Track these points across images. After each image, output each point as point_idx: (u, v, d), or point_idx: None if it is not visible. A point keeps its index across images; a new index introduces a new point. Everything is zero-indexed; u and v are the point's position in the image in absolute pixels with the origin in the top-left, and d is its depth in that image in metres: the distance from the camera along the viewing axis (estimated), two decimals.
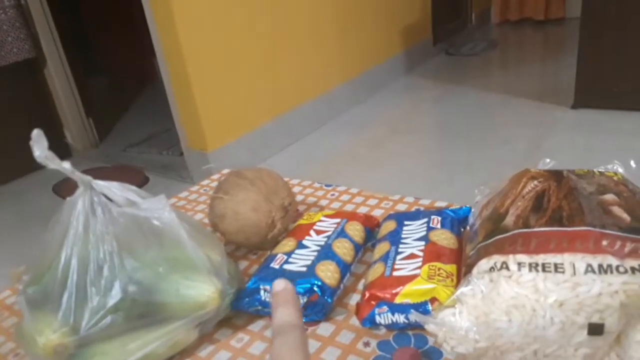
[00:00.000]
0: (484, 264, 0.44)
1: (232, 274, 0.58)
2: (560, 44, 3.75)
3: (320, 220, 0.67)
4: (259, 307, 0.57)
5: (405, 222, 0.63)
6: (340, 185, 0.88)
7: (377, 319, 0.52)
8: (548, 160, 0.59)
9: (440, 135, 2.54)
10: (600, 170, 0.55)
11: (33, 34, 2.63)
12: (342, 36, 2.83)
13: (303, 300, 0.55)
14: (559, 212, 0.45)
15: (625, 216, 0.45)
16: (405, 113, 2.83)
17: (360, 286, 0.61)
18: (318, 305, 0.55)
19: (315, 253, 0.60)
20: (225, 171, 0.98)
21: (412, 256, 0.55)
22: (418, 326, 0.51)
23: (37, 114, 2.70)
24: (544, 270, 0.41)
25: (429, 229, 0.60)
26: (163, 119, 2.85)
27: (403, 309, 0.51)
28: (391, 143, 2.43)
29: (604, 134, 2.18)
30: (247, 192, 0.67)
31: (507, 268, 0.42)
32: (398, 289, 0.52)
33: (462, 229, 0.62)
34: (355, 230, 0.65)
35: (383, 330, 0.53)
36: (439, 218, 0.62)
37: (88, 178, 0.50)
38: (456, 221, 0.62)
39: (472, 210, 0.58)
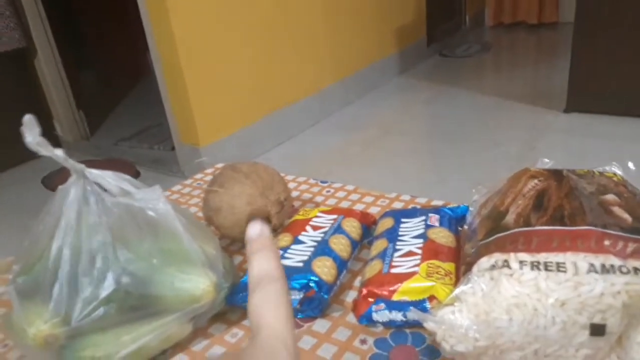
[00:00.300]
0: (485, 262, 0.43)
1: (227, 268, 0.57)
2: (553, 48, 3.77)
3: (316, 216, 0.66)
4: None
5: (403, 220, 0.62)
6: (336, 182, 0.87)
7: (374, 316, 0.51)
8: (547, 160, 0.59)
9: (433, 137, 2.54)
10: (599, 170, 0.54)
11: (23, 23, 2.59)
12: (336, 35, 2.82)
13: (299, 295, 0.54)
14: (560, 211, 0.45)
15: (627, 216, 0.44)
16: (398, 114, 2.83)
17: (356, 283, 0.60)
18: (314, 301, 0.54)
19: (312, 249, 0.59)
20: (220, 165, 0.97)
21: (410, 254, 0.55)
22: (415, 324, 0.51)
23: (26, 105, 2.64)
24: (545, 269, 0.40)
25: (427, 226, 0.59)
26: (155, 114, 2.83)
27: (401, 306, 0.50)
28: (383, 143, 2.43)
29: (596, 138, 2.19)
30: (243, 186, 0.66)
31: (509, 266, 0.42)
32: (396, 286, 0.51)
33: (460, 228, 0.62)
34: (352, 227, 0.64)
35: (380, 328, 0.53)
36: (437, 216, 0.62)
37: (81, 166, 0.49)
38: (454, 219, 0.62)
39: (470, 208, 0.58)
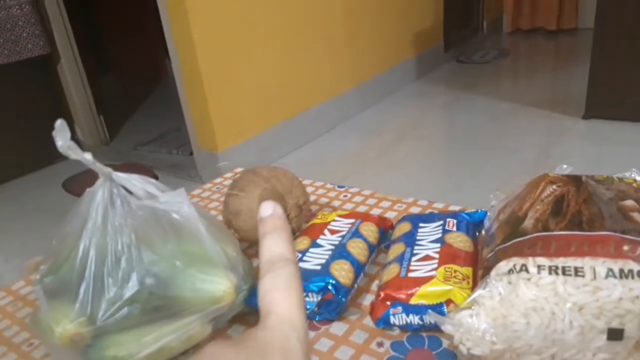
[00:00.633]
0: (503, 266, 0.43)
1: (246, 270, 0.58)
2: (572, 54, 3.74)
3: (334, 220, 0.67)
4: None
5: (421, 224, 0.63)
6: (353, 186, 0.88)
7: (392, 319, 0.52)
8: (565, 166, 0.59)
9: (450, 143, 2.54)
10: (618, 176, 0.54)
11: (48, 30, 2.65)
12: (354, 40, 2.83)
13: (317, 298, 0.55)
14: (578, 217, 0.45)
15: None
16: (414, 119, 2.83)
17: (373, 287, 0.61)
18: (332, 304, 0.55)
19: (330, 252, 0.60)
20: (239, 170, 0.98)
21: (427, 258, 0.55)
22: (432, 328, 0.51)
23: (49, 109, 2.71)
24: (564, 273, 0.41)
25: (445, 231, 0.60)
26: (173, 119, 2.87)
27: (418, 310, 0.51)
28: (400, 148, 2.43)
29: (614, 145, 2.17)
30: (263, 190, 0.67)
31: (527, 270, 0.42)
32: (413, 290, 0.51)
33: (478, 233, 0.62)
34: (370, 231, 0.65)
35: (397, 331, 0.53)
36: (455, 221, 0.62)
37: (109, 170, 0.50)
38: (471, 224, 0.62)
39: (488, 214, 0.58)
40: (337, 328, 0.55)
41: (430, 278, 0.52)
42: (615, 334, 0.39)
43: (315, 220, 0.69)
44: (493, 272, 0.44)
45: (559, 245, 0.42)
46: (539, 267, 0.42)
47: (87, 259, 0.49)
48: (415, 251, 0.57)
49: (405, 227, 0.64)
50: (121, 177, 0.50)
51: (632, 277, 0.39)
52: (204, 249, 0.51)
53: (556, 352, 0.41)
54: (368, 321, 0.55)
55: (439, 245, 0.57)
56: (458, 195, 1.87)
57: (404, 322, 0.52)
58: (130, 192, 0.51)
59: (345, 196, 0.85)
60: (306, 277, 0.56)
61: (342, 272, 0.57)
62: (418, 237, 0.60)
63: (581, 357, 0.41)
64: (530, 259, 0.42)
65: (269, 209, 0.30)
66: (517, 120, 2.59)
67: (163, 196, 0.51)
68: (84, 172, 2.47)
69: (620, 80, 2.29)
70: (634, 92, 2.27)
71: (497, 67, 3.61)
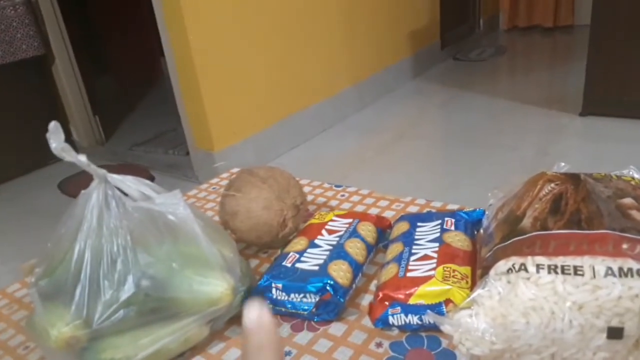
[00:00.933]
0: (502, 265, 0.43)
1: (244, 271, 0.57)
2: (568, 51, 3.74)
3: (332, 220, 0.67)
4: (270, 305, 0.56)
5: (419, 224, 0.62)
6: (351, 186, 0.87)
7: (390, 319, 0.52)
8: (563, 164, 0.58)
9: (447, 141, 2.53)
10: (617, 174, 0.54)
11: (42, 31, 2.63)
12: (350, 39, 2.83)
13: (315, 299, 0.55)
14: (577, 215, 0.45)
15: None
16: (412, 117, 2.82)
17: (372, 287, 0.61)
18: (330, 305, 0.55)
19: (328, 252, 0.60)
20: (235, 170, 0.98)
21: (426, 257, 0.55)
22: (431, 328, 0.51)
23: (44, 110, 2.70)
24: (563, 272, 0.40)
25: (443, 230, 0.60)
26: (169, 119, 2.86)
27: (417, 310, 0.51)
28: (397, 147, 2.42)
29: (612, 142, 2.17)
30: (259, 190, 0.67)
31: (526, 270, 0.42)
32: (412, 290, 0.51)
33: (476, 232, 0.62)
34: (368, 231, 0.65)
35: (396, 332, 0.53)
36: (453, 220, 0.62)
37: (103, 171, 0.50)
38: (470, 224, 0.62)
39: (486, 213, 0.58)
40: (336, 329, 0.55)
41: (428, 278, 0.52)
42: (615, 333, 0.39)
43: (313, 220, 0.68)
44: (492, 272, 0.44)
45: (558, 244, 0.42)
46: (538, 266, 0.41)
47: (83, 262, 0.48)
48: (413, 251, 0.57)
49: (403, 226, 0.63)
50: (116, 178, 0.50)
51: (632, 276, 0.39)
52: (200, 250, 0.51)
53: (556, 352, 0.41)
54: (367, 322, 0.55)
55: (437, 244, 0.57)
56: (456, 194, 1.87)
57: (403, 323, 0.52)
58: (126, 194, 0.51)
59: (342, 196, 0.84)
60: (304, 278, 0.56)
61: (340, 272, 0.57)
62: (416, 237, 0.60)
63: (581, 356, 0.41)
64: (529, 258, 0.42)
65: (253, 318, 0.25)
66: (514, 118, 2.59)
67: (158, 197, 0.51)
68: (79, 173, 2.46)
69: (617, 77, 2.29)
70: (631, 89, 2.27)
71: (494, 65, 3.60)
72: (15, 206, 2.34)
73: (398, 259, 0.56)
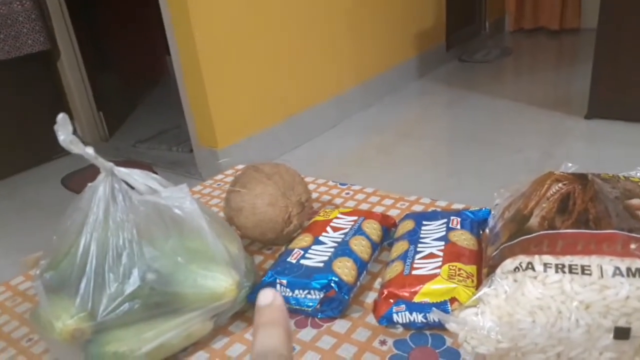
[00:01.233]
0: (509, 264, 0.43)
1: (248, 267, 0.57)
2: (574, 54, 3.73)
3: (337, 217, 0.67)
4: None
5: (424, 222, 0.62)
6: (355, 184, 0.87)
7: (395, 317, 0.52)
8: (570, 164, 0.58)
9: (452, 141, 2.53)
10: (624, 175, 0.54)
11: (48, 26, 2.64)
12: (356, 39, 2.82)
13: (319, 295, 0.55)
14: (585, 215, 0.45)
15: None
16: (416, 118, 2.82)
17: (376, 284, 0.60)
18: (335, 302, 0.54)
19: (332, 249, 0.60)
20: (240, 166, 0.97)
21: (431, 256, 0.55)
22: (436, 326, 0.51)
23: (48, 106, 2.71)
24: (570, 271, 0.40)
25: (449, 229, 0.59)
26: (173, 116, 2.86)
27: (421, 308, 0.50)
28: (402, 147, 2.42)
29: (617, 145, 2.16)
30: (265, 186, 0.67)
31: (533, 268, 0.41)
32: (417, 288, 0.51)
33: (482, 231, 0.62)
34: (373, 229, 0.65)
35: (400, 329, 0.53)
36: (459, 219, 0.61)
37: (110, 164, 0.50)
38: (475, 223, 0.62)
39: (492, 212, 0.58)
40: (340, 326, 0.55)
41: (434, 276, 0.51)
42: (622, 333, 0.39)
43: (318, 218, 0.68)
44: (498, 270, 0.44)
45: (566, 244, 0.42)
46: (545, 265, 0.41)
47: (88, 254, 0.48)
48: (418, 249, 0.57)
49: (409, 225, 0.63)
50: (123, 172, 0.50)
51: None
52: (206, 245, 0.51)
53: (562, 351, 0.41)
54: (371, 319, 0.55)
55: (443, 243, 0.57)
56: (460, 194, 1.87)
57: (407, 320, 0.51)
58: (132, 187, 0.51)
59: (347, 194, 0.84)
60: (309, 275, 0.56)
61: (345, 269, 0.57)
62: (422, 235, 0.59)
63: (587, 356, 0.41)
64: (537, 257, 0.42)
65: (268, 298, 0.27)
66: (519, 119, 2.58)
67: (165, 191, 0.51)
68: (83, 168, 2.46)
69: (622, 80, 2.28)
70: (637, 92, 2.26)
71: (499, 67, 3.60)
72: (18, 201, 2.35)
73: (403, 256, 0.56)
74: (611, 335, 0.39)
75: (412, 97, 3.14)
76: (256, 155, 2.31)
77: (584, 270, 0.40)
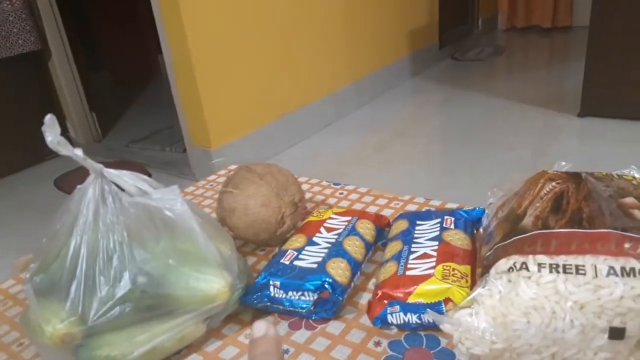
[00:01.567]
0: (503, 264, 0.43)
1: (241, 268, 0.57)
2: (567, 52, 3.74)
3: (330, 218, 0.66)
4: (268, 303, 0.56)
5: (418, 222, 0.62)
6: (349, 184, 0.87)
7: (389, 318, 0.51)
8: (564, 163, 0.58)
9: (446, 140, 2.53)
10: (618, 173, 0.54)
11: (39, 26, 2.62)
12: (350, 37, 2.82)
13: (313, 297, 0.54)
14: (578, 214, 0.45)
15: None
16: (410, 116, 2.82)
17: (370, 285, 0.60)
18: (329, 303, 0.54)
19: (326, 250, 0.59)
20: (233, 166, 0.97)
21: (425, 256, 0.55)
22: (430, 327, 0.51)
23: (40, 106, 2.68)
24: (564, 271, 0.40)
25: (442, 229, 0.59)
26: (166, 116, 2.85)
27: (416, 308, 0.50)
28: (396, 145, 2.42)
29: (610, 142, 2.17)
30: (257, 187, 0.66)
31: (527, 269, 0.41)
32: (411, 289, 0.51)
33: (475, 231, 0.62)
34: (367, 229, 0.64)
35: (394, 330, 0.53)
36: (452, 218, 0.61)
37: (99, 166, 0.49)
38: (469, 222, 0.62)
39: (486, 211, 0.58)
40: (334, 327, 0.54)
41: (428, 276, 0.51)
42: (616, 333, 0.39)
43: (311, 218, 0.68)
44: (492, 271, 0.43)
45: (560, 243, 0.42)
46: (540, 265, 0.41)
47: (78, 257, 0.48)
48: (412, 249, 0.56)
49: (403, 224, 0.63)
50: (112, 173, 0.49)
51: (634, 275, 0.39)
52: (197, 247, 0.50)
53: (557, 352, 0.41)
54: (365, 320, 0.54)
55: (436, 243, 0.56)
56: (455, 193, 1.87)
57: (402, 321, 0.51)
58: (122, 189, 0.50)
59: (341, 194, 0.84)
60: (302, 276, 0.55)
61: (338, 270, 0.56)
62: (415, 235, 0.59)
63: (582, 356, 0.40)
64: (531, 257, 0.42)
65: (261, 329, 0.28)
66: (512, 118, 2.59)
67: (156, 193, 0.50)
68: (75, 169, 2.45)
69: (615, 78, 2.28)
70: (629, 89, 2.27)
71: (492, 65, 3.60)
72: (10, 202, 2.33)
73: (397, 257, 0.56)
74: (606, 336, 0.39)
75: (406, 95, 3.14)
76: (250, 155, 2.30)
77: (578, 270, 0.40)
